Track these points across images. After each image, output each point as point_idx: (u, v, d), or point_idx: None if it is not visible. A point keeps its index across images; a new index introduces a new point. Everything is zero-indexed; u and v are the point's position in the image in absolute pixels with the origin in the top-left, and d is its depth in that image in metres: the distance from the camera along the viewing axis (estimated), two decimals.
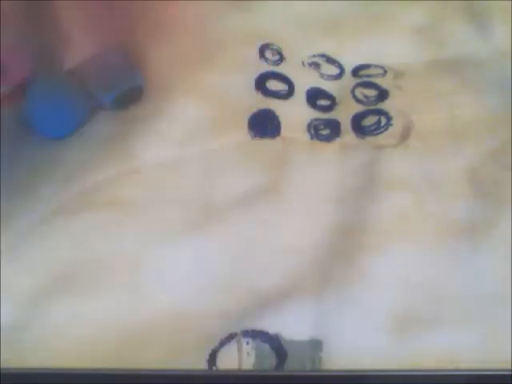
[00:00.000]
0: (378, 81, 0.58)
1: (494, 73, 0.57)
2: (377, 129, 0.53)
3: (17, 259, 0.44)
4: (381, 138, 0.53)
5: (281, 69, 0.58)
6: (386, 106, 0.55)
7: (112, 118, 0.53)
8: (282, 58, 0.59)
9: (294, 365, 0.40)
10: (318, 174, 0.50)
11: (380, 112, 0.54)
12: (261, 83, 0.57)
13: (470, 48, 0.61)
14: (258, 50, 0.59)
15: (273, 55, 0.59)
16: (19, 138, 0.52)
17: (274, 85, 0.57)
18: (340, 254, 0.45)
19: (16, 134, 0.52)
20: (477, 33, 0.62)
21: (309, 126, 0.54)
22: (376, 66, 0.60)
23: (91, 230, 0.46)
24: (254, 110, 0.54)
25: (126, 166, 0.50)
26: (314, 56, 0.60)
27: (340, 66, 0.60)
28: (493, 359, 0.39)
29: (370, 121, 0.54)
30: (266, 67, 0.58)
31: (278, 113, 0.54)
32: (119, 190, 0.48)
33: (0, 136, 0.52)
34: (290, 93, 0.57)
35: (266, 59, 0.59)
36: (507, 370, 0.38)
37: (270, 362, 0.40)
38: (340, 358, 0.40)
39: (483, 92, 0.56)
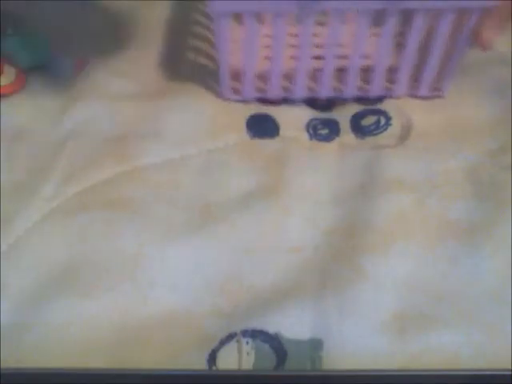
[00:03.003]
0: None
1: (493, 74, 0.57)
2: (376, 129, 0.53)
3: (17, 259, 0.44)
4: (380, 138, 0.53)
5: None
6: (385, 105, 0.55)
7: (111, 119, 0.53)
8: None
9: (294, 365, 0.40)
10: (317, 173, 0.50)
11: (379, 112, 0.54)
12: None
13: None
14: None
15: None
16: (19, 138, 0.52)
17: None
18: (340, 253, 0.45)
19: (15, 134, 0.52)
20: None
21: (307, 126, 0.54)
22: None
23: (91, 230, 0.46)
24: (252, 112, 0.55)
25: (125, 166, 0.50)
26: None
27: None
28: (493, 359, 0.39)
29: (369, 121, 0.54)
30: None
31: (275, 115, 0.55)
32: (119, 190, 0.48)
33: (0, 136, 0.52)
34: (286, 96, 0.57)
35: None
36: (507, 370, 0.38)
37: (269, 361, 0.40)
38: (340, 357, 0.40)
39: (482, 93, 0.56)
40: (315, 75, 0.54)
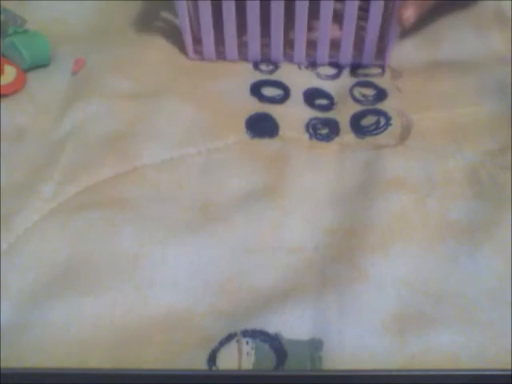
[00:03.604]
0: (377, 80, 0.59)
1: (493, 75, 0.58)
2: (376, 129, 0.53)
3: (17, 259, 0.44)
4: (380, 138, 0.53)
5: (276, 76, 0.59)
6: (384, 106, 0.55)
7: (111, 118, 0.53)
8: (276, 67, 0.60)
9: (294, 365, 0.39)
10: (317, 173, 0.50)
11: (379, 112, 0.55)
12: (256, 90, 0.58)
13: (468, 50, 0.61)
14: (252, 62, 0.61)
15: (267, 66, 0.60)
16: (19, 138, 0.52)
17: (269, 91, 0.57)
18: (340, 253, 0.45)
19: (15, 134, 0.52)
20: (475, 35, 0.62)
21: (307, 126, 0.54)
22: (374, 64, 0.60)
23: (91, 229, 0.46)
24: (251, 112, 0.55)
25: (125, 166, 0.50)
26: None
27: (337, 66, 0.60)
28: (493, 359, 0.39)
29: (369, 121, 0.54)
30: (260, 76, 0.59)
31: (274, 115, 0.55)
32: (119, 190, 0.48)
33: (0, 136, 0.52)
34: (285, 96, 0.57)
35: (261, 70, 0.60)
36: (507, 370, 0.38)
37: (269, 361, 0.40)
38: (340, 357, 0.40)
39: (482, 93, 0.56)
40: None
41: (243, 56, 0.61)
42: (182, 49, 0.61)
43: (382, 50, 0.60)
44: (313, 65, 0.61)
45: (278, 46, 0.59)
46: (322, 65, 0.60)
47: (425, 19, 0.61)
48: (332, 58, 0.60)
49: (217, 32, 0.59)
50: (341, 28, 0.58)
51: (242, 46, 0.60)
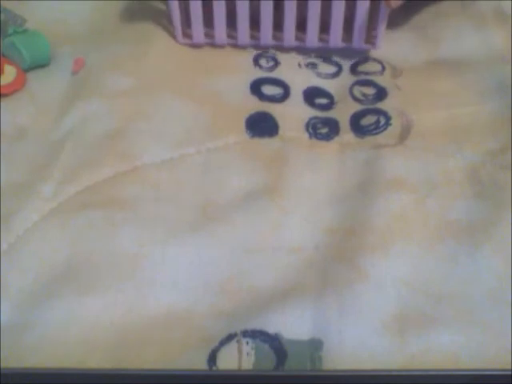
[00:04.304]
0: (377, 79, 0.59)
1: (493, 74, 0.58)
2: (376, 128, 0.53)
3: (17, 259, 0.44)
4: (380, 138, 0.53)
5: (275, 74, 0.59)
6: (384, 105, 0.55)
7: (111, 117, 0.53)
8: (276, 64, 0.60)
9: (294, 365, 0.39)
10: (317, 173, 0.50)
11: (379, 111, 0.55)
12: (256, 88, 0.57)
13: (468, 49, 0.61)
14: (252, 58, 0.61)
15: (267, 62, 0.60)
16: (19, 138, 0.52)
17: (269, 89, 0.57)
18: (340, 253, 0.45)
19: (15, 134, 0.52)
20: (475, 34, 0.62)
21: (307, 125, 0.54)
22: (374, 61, 0.60)
23: (91, 229, 0.46)
24: (251, 111, 0.55)
25: (125, 166, 0.50)
26: (310, 57, 0.61)
27: (337, 64, 0.60)
28: (493, 359, 0.39)
29: (368, 120, 0.54)
30: (260, 74, 0.59)
31: (274, 114, 0.55)
32: (118, 190, 0.48)
33: (0, 136, 0.52)
34: (285, 95, 0.57)
35: (261, 66, 0.60)
36: (507, 370, 0.38)
37: (270, 361, 0.40)
38: (340, 357, 0.40)
39: (482, 92, 0.56)
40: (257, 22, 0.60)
41: (233, 41, 0.61)
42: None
43: (372, 34, 0.60)
44: (302, 47, 0.61)
45: (268, 29, 0.60)
46: (312, 47, 0.61)
47: (413, 5, 0.61)
48: (322, 41, 0.60)
49: (206, 17, 0.59)
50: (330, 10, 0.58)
51: (232, 30, 0.60)
